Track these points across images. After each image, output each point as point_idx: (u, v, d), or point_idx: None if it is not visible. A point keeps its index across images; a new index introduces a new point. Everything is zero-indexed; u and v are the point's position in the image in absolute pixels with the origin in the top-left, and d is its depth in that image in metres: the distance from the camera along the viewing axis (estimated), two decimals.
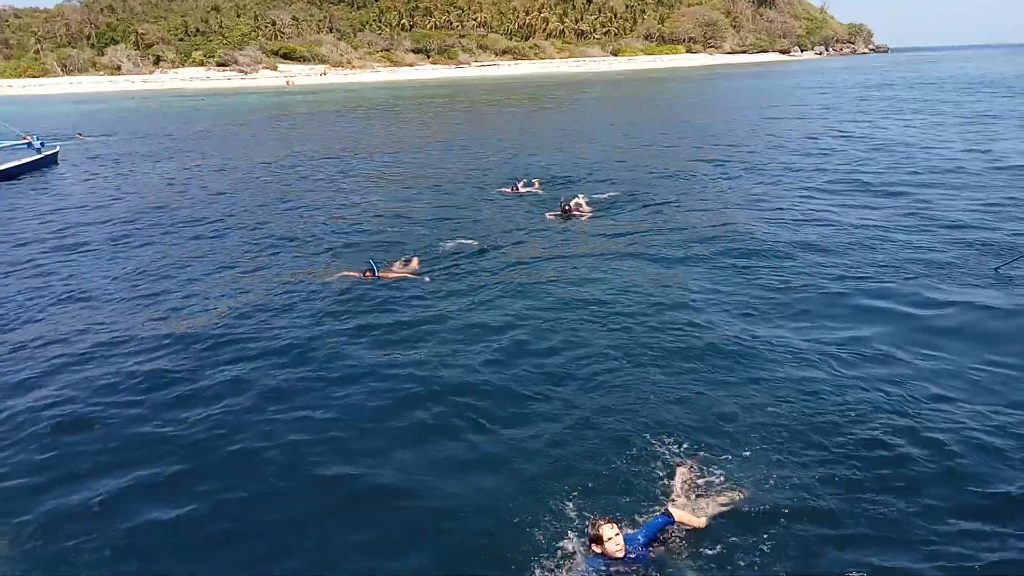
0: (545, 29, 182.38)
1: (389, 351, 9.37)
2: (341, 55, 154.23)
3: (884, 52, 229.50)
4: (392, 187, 21.84)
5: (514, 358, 9.03)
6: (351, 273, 12.47)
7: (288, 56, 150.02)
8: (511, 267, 12.88)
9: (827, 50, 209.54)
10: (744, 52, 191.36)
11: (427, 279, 12.34)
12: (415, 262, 13.08)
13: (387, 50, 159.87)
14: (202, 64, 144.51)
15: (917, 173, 20.64)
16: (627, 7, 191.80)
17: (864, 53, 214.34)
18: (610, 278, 11.95)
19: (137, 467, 6.97)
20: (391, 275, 12.48)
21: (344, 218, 17.66)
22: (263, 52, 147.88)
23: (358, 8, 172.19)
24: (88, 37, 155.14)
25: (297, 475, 6.82)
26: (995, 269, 12.03)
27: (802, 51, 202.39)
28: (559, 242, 14.39)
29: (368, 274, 12.21)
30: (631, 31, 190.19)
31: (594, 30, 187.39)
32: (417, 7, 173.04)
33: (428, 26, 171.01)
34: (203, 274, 13.41)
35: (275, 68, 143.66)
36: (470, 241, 14.51)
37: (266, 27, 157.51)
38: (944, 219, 15.37)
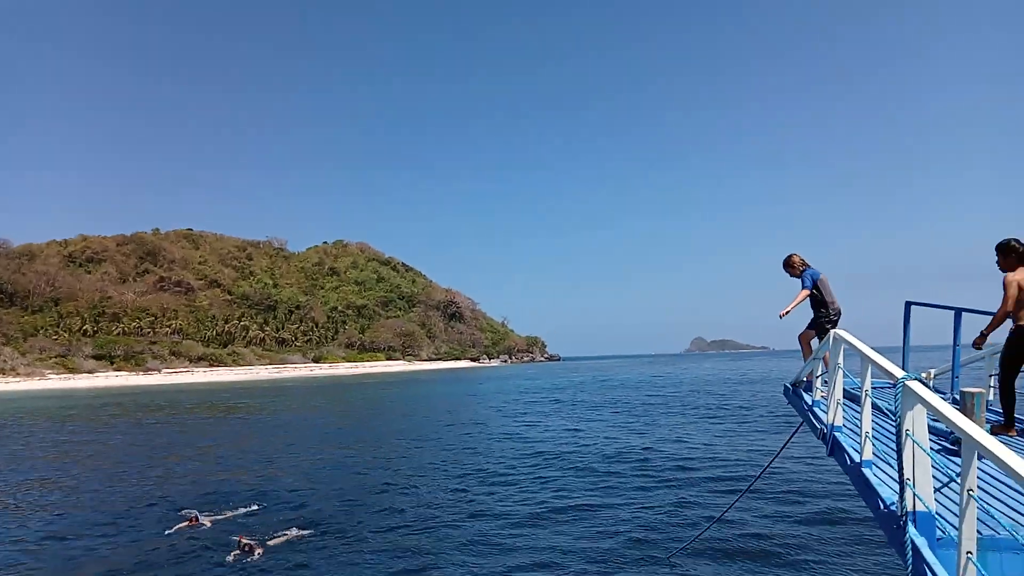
0: (245, 337, 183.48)
1: None
2: (4, 362, 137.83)
3: (557, 360, 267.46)
4: (36, 523, 17.54)
5: None
6: None
7: None
8: None
9: (510, 358, 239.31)
10: (440, 359, 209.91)
11: None
12: None
13: (63, 356, 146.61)
14: None
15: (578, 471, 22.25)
16: (328, 318, 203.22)
17: (541, 361, 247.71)
18: None
19: None
20: None
21: None
22: None
23: (33, 312, 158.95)
24: None
25: None
26: (667, 558, 12.63)
27: (490, 358, 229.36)
28: None
29: None
30: (333, 339, 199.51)
31: (295, 338, 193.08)
32: (103, 313, 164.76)
33: (115, 332, 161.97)
34: None
35: None
36: None
37: None
38: (606, 519, 15.86)
